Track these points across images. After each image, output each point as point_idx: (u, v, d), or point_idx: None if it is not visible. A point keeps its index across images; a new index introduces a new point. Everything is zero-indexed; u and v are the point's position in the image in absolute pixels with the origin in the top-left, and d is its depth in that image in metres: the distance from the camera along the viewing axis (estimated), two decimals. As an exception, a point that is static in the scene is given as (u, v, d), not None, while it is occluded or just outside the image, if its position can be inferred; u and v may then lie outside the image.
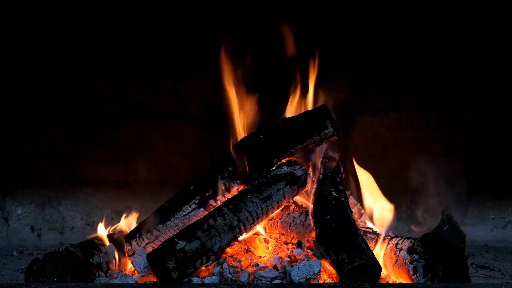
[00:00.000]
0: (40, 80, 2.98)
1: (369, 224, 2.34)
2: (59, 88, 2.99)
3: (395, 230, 2.19)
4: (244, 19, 2.91)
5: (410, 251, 1.91)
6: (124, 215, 2.41)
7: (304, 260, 2.02)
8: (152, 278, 1.93)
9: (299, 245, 2.17)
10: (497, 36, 2.98)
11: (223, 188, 2.21)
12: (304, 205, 2.31)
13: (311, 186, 2.30)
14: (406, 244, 1.96)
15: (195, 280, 1.85)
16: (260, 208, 2.07)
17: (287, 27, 2.55)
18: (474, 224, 3.11)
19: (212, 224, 1.93)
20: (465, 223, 3.08)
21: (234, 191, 2.23)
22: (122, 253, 2.15)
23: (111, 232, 2.28)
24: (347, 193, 2.34)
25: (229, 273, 1.93)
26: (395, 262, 1.97)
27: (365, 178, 2.37)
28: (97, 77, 3.00)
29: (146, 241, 2.18)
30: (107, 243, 2.13)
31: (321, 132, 2.14)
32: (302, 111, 2.37)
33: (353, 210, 2.26)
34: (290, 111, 2.46)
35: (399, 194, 3.05)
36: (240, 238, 2.10)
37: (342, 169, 2.44)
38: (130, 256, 2.17)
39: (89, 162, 3.03)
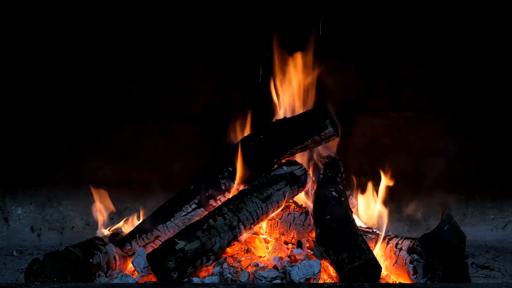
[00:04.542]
0: (40, 80, 2.98)
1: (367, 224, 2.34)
2: (59, 88, 2.99)
3: (395, 230, 2.19)
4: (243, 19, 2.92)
5: (410, 251, 1.91)
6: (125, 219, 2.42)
7: (304, 260, 2.02)
8: (152, 278, 1.93)
9: (299, 245, 2.17)
10: (497, 36, 2.98)
11: (223, 188, 2.21)
12: (304, 205, 2.31)
13: (311, 186, 2.30)
14: (406, 244, 1.96)
15: (195, 280, 1.85)
16: (260, 208, 2.07)
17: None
18: (474, 224, 3.11)
19: (212, 224, 1.93)
20: (465, 223, 3.08)
21: (234, 191, 2.23)
22: (122, 253, 2.15)
23: (111, 232, 2.29)
24: (347, 193, 2.34)
25: (229, 273, 1.93)
26: (395, 262, 1.97)
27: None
28: (98, 77, 3.00)
29: (146, 241, 2.17)
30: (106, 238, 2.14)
31: (321, 132, 2.15)
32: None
33: (353, 210, 2.26)
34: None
35: (399, 194, 3.05)
36: (240, 238, 2.10)
37: (342, 169, 2.44)
38: (130, 256, 2.17)
39: (89, 162, 3.03)
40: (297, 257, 2.09)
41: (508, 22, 2.96)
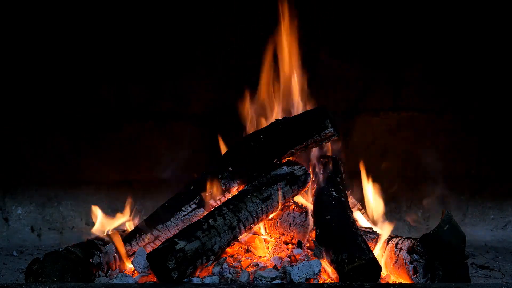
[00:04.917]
0: (40, 80, 2.98)
1: (369, 224, 2.34)
2: (59, 88, 2.99)
3: (395, 230, 2.19)
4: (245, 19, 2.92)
5: (410, 251, 1.91)
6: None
7: (304, 260, 2.02)
8: (152, 278, 1.93)
9: (299, 245, 2.17)
10: (497, 35, 2.98)
11: (223, 188, 2.21)
12: (304, 205, 2.31)
13: (311, 186, 2.30)
14: (406, 244, 1.96)
15: (195, 280, 1.85)
16: (260, 208, 2.07)
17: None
18: (474, 224, 3.11)
19: (212, 224, 1.93)
20: (465, 223, 3.08)
21: (234, 191, 2.23)
22: (122, 253, 2.15)
23: (111, 232, 2.28)
24: (347, 193, 2.34)
25: (229, 273, 1.93)
26: (395, 262, 1.97)
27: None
28: (97, 77, 3.00)
29: (146, 241, 2.17)
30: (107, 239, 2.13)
31: (321, 132, 2.15)
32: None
33: (353, 210, 2.26)
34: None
35: (399, 194, 3.05)
36: (240, 238, 2.10)
37: (342, 169, 2.44)
38: (130, 256, 2.17)
39: (89, 162, 3.03)
40: (297, 257, 2.09)
41: (508, 21, 2.96)
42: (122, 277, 1.91)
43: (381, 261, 2.00)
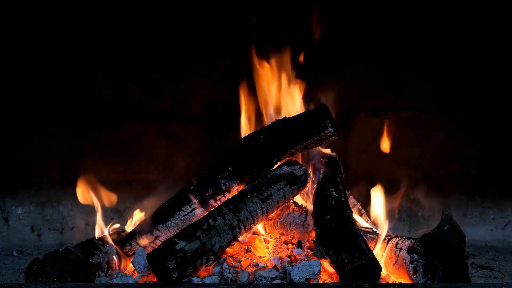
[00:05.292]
0: (40, 80, 2.98)
1: (368, 224, 2.34)
2: (59, 88, 3.00)
3: (395, 230, 2.19)
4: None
5: (410, 251, 1.91)
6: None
7: (304, 260, 2.02)
8: (152, 278, 1.93)
9: (299, 245, 2.17)
10: (497, 36, 2.98)
11: (223, 188, 2.21)
12: (304, 205, 2.31)
13: (311, 186, 2.30)
14: (406, 244, 1.96)
15: (195, 280, 1.85)
16: (260, 208, 2.07)
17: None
18: (474, 224, 3.11)
19: (212, 224, 1.93)
20: (465, 223, 3.08)
21: (234, 191, 2.23)
22: (122, 253, 2.15)
23: (111, 232, 2.28)
24: (347, 193, 2.34)
25: (229, 273, 1.93)
26: (395, 262, 1.97)
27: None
28: (97, 77, 3.00)
29: (146, 241, 2.17)
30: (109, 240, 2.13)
31: (321, 132, 2.15)
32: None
33: (353, 210, 2.26)
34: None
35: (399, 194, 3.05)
36: (240, 238, 2.10)
37: (342, 169, 2.44)
38: (130, 256, 2.17)
39: (89, 162, 3.03)
40: (297, 257, 2.09)
41: (508, 21, 2.96)
42: (122, 277, 1.91)
43: (381, 261, 2.00)
